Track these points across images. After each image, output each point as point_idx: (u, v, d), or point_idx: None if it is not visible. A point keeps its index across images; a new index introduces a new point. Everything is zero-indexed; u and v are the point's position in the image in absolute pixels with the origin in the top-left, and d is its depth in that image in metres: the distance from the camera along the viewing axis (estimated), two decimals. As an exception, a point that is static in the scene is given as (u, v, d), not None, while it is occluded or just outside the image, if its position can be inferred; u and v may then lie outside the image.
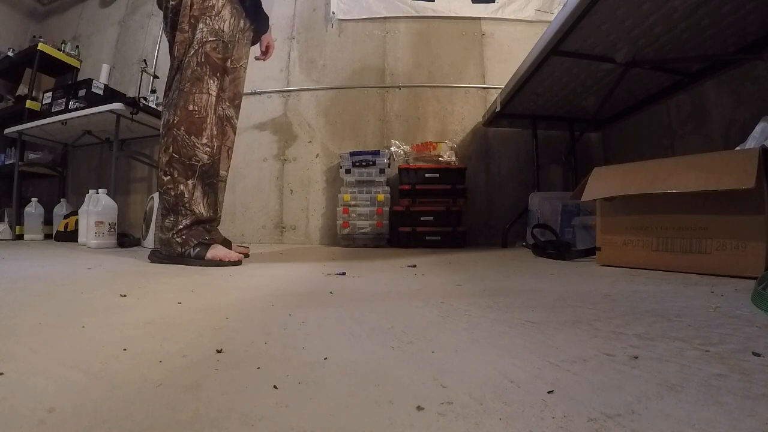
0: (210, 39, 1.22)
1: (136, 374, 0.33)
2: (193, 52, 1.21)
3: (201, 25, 1.21)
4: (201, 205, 1.23)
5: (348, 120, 2.44)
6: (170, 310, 0.59)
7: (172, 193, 1.21)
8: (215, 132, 1.25)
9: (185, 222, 1.20)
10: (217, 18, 1.23)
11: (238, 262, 1.20)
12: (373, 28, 2.49)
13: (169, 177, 1.21)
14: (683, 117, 1.68)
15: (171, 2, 1.23)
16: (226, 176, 1.49)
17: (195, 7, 1.21)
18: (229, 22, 1.25)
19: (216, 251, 1.19)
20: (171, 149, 1.21)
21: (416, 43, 2.47)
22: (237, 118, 1.48)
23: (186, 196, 1.21)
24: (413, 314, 0.55)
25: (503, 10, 2.45)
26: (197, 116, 1.21)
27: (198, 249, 1.18)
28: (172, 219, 1.21)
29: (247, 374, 0.33)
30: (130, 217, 2.63)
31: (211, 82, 1.23)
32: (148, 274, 1.00)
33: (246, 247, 1.56)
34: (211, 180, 1.26)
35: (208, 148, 1.23)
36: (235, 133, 1.48)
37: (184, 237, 1.19)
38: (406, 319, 0.52)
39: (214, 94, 1.24)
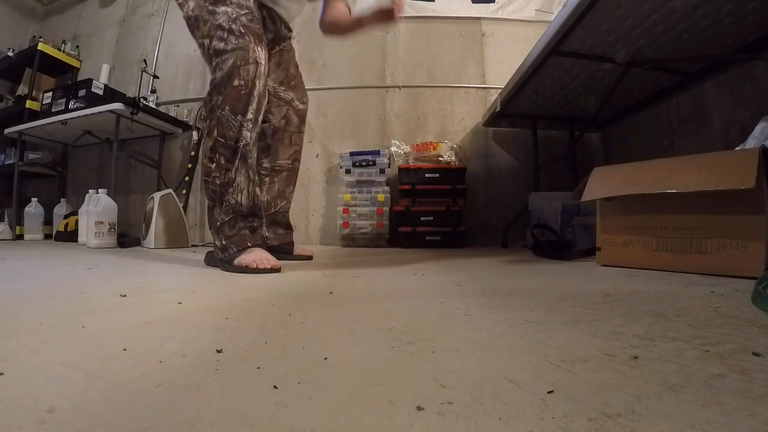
0: (242, 12, 1.13)
1: (136, 374, 0.33)
2: (225, 33, 1.11)
3: (223, 8, 1.11)
4: (245, 192, 1.15)
5: (348, 120, 2.44)
6: (170, 310, 0.59)
7: (218, 182, 1.13)
8: (256, 106, 1.15)
9: (226, 218, 1.13)
10: None
11: (273, 270, 1.04)
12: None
13: (215, 164, 1.13)
14: (683, 117, 1.68)
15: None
16: (290, 165, 1.43)
17: None
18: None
19: (244, 256, 1.07)
20: (215, 132, 1.12)
21: (416, 43, 2.47)
22: (300, 101, 1.43)
23: (230, 182, 1.13)
24: (413, 314, 0.55)
25: (503, 10, 2.45)
26: (243, 92, 1.10)
27: (232, 255, 1.09)
28: (215, 212, 1.15)
29: (247, 374, 0.33)
30: (130, 217, 2.63)
31: (259, 50, 1.12)
32: (148, 274, 1.00)
33: (309, 251, 1.49)
34: (250, 162, 1.17)
35: (251, 125, 1.14)
36: (299, 117, 1.43)
37: (224, 242, 1.12)
38: (406, 319, 0.52)
39: (263, 62, 1.13)
